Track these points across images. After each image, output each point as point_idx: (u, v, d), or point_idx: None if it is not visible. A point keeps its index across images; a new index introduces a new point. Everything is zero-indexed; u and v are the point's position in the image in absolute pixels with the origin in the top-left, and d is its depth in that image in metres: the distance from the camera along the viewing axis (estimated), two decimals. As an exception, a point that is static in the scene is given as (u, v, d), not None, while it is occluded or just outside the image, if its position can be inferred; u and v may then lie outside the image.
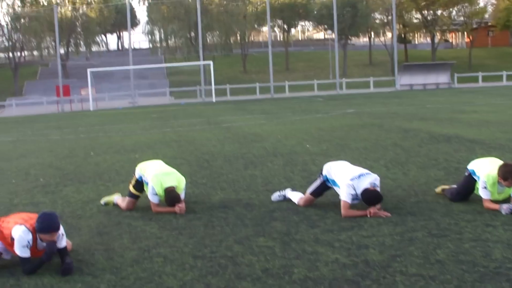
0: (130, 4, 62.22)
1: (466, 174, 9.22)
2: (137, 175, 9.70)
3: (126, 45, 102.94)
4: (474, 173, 8.97)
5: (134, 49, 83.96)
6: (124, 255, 7.11)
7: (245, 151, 16.23)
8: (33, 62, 75.64)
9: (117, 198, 10.01)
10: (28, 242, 6.55)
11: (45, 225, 6.55)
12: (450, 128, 19.83)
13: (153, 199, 9.28)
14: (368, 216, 8.36)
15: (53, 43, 68.24)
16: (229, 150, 16.60)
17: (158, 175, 9.32)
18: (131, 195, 9.66)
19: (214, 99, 55.11)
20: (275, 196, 9.85)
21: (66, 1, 72.88)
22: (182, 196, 9.32)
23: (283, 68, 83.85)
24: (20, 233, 6.55)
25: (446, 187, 9.70)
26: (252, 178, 11.89)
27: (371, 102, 39.77)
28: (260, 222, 8.43)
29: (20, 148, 20.83)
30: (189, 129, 24.70)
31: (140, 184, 9.62)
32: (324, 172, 9.13)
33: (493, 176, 8.55)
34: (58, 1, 70.53)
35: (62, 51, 69.97)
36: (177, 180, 9.41)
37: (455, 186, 9.49)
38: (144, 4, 77.39)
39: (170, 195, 9.13)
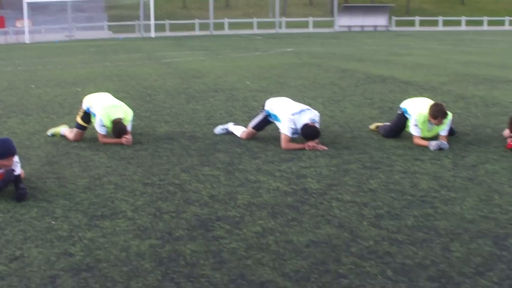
0: None
1: (399, 112, 9.77)
2: (84, 107, 9.90)
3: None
4: (406, 112, 9.51)
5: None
6: (76, 183, 7.44)
7: (186, 86, 16.50)
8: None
9: (64, 130, 10.24)
10: None
11: (2, 151, 6.83)
12: (386, 70, 20.43)
13: (100, 130, 9.55)
14: (307, 149, 8.86)
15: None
16: (171, 85, 16.83)
17: (105, 107, 9.56)
18: (78, 126, 9.89)
19: (153, 34, 54.70)
20: (218, 129, 10.25)
21: None
22: (129, 128, 9.63)
23: (223, 5, 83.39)
24: None
25: (380, 124, 10.26)
26: (195, 112, 12.25)
27: (310, 42, 40.19)
28: (204, 153, 8.86)
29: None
30: (129, 64, 24.65)
31: (87, 116, 9.84)
32: (267, 107, 9.55)
33: (424, 114, 9.11)
34: None
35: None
36: (124, 112, 9.68)
37: (388, 123, 10.07)
38: None
39: (117, 127, 9.42)
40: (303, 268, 4.88)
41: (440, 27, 66.45)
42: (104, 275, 4.77)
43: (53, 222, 6.00)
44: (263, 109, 9.65)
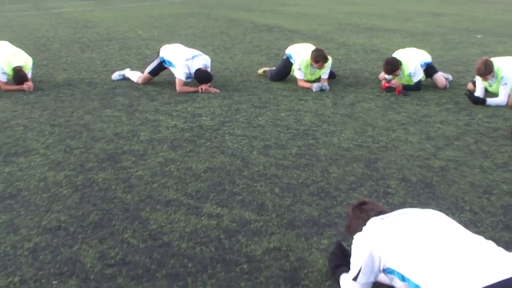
0: None
1: (284, 57, 10.56)
2: None
3: None
4: (291, 57, 10.30)
5: None
6: None
7: (79, 36, 16.67)
8: None
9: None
10: None
11: None
12: (272, 19, 21.11)
13: (1, 78, 9.84)
14: (200, 92, 9.53)
15: None
16: (64, 34, 16.94)
17: (6, 55, 9.85)
18: None
19: None
20: (115, 75, 10.72)
21: None
22: (29, 75, 9.99)
23: None
24: None
25: (267, 68, 11.02)
26: (91, 60, 12.60)
27: None
28: (104, 97, 9.37)
29: None
30: (19, 15, 24.16)
31: None
32: (161, 54, 10.08)
33: (307, 59, 9.92)
34: None
35: None
36: (24, 60, 10.00)
37: (274, 68, 10.85)
38: None
39: (18, 74, 9.75)
40: (203, 188, 5.63)
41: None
42: (27, 201, 5.37)
43: (-32, 160, 6.49)
44: (158, 55, 10.21)
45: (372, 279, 3.61)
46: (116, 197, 5.44)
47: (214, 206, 5.23)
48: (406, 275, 3.37)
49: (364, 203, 3.94)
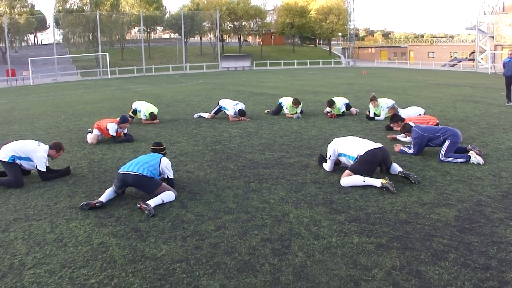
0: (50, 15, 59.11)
1: (278, 104, 13.63)
2: (133, 107, 12.85)
3: (40, 41, 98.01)
4: (281, 103, 13.43)
5: (47, 44, 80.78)
6: (150, 137, 10.85)
7: (159, 101, 19.06)
8: (-21, 53, 70.80)
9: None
10: (116, 129, 10.08)
11: (124, 118, 10.12)
12: (259, 89, 24.06)
13: (143, 117, 12.50)
14: (240, 120, 12.44)
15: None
16: (150, 100, 18.46)
17: (146, 106, 12.64)
18: (131, 117, 12.69)
19: (109, 76, 55.35)
20: (196, 115, 13.58)
21: (5, 11, 68.76)
22: (157, 115, 12.89)
23: (147, 56, 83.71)
24: (112, 125, 10.01)
25: (269, 110, 14.01)
26: (176, 111, 15.34)
27: (209, 77, 42.20)
28: (196, 123, 12.28)
29: (21, 106, 20.21)
30: (113, 92, 25.63)
31: (134, 111, 12.80)
32: (220, 103, 13.09)
33: (290, 103, 13.06)
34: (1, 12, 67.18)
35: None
36: (154, 109, 12.64)
37: (273, 110, 13.83)
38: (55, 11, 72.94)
39: (152, 115, 12.36)
40: (261, 148, 8.74)
41: (282, 67, 70.55)
42: (192, 154, 8.45)
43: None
44: (218, 104, 13.19)
45: (334, 158, 6.82)
46: (228, 152, 8.52)
47: (269, 153, 8.36)
48: (345, 153, 6.61)
49: None
